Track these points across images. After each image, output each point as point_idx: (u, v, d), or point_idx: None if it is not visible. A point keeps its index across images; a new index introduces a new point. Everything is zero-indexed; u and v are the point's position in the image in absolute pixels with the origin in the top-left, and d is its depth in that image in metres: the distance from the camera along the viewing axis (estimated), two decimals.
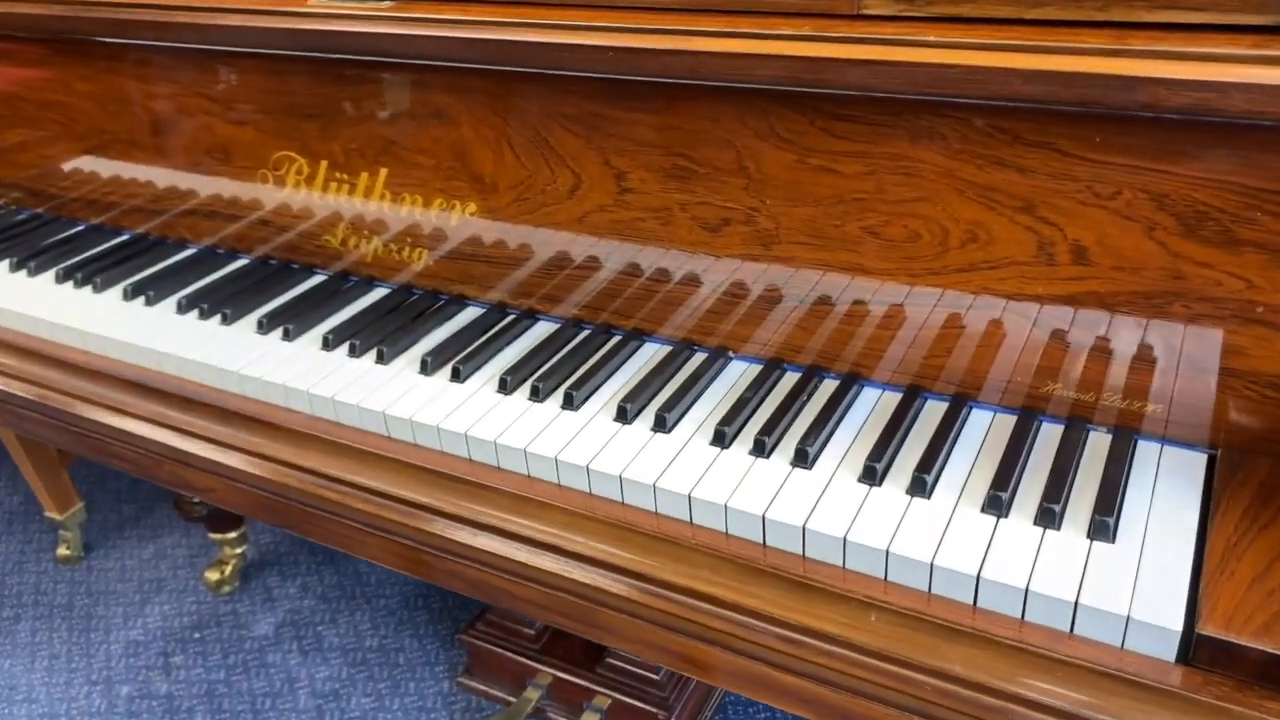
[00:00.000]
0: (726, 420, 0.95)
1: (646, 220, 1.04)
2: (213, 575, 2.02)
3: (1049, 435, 0.92)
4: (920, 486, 0.86)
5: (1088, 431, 0.92)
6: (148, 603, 2.02)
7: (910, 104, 0.86)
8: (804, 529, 0.84)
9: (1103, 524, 0.80)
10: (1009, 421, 0.94)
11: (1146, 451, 0.90)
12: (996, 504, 0.84)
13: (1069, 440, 0.90)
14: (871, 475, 0.88)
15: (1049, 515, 0.82)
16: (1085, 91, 0.76)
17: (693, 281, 1.05)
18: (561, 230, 1.09)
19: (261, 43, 1.14)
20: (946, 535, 0.82)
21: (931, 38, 0.82)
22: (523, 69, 1.01)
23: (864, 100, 0.88)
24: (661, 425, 0.97)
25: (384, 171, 1.19)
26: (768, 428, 0.94)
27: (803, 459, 0.90)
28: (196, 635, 1.93)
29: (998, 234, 0.88)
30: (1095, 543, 0.80)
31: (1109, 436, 0.91)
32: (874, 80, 0.83)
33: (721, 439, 0.94)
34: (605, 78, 0.98)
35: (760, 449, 0.92)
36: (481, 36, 1.00)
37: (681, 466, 0.92)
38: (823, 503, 0.86)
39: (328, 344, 1.14)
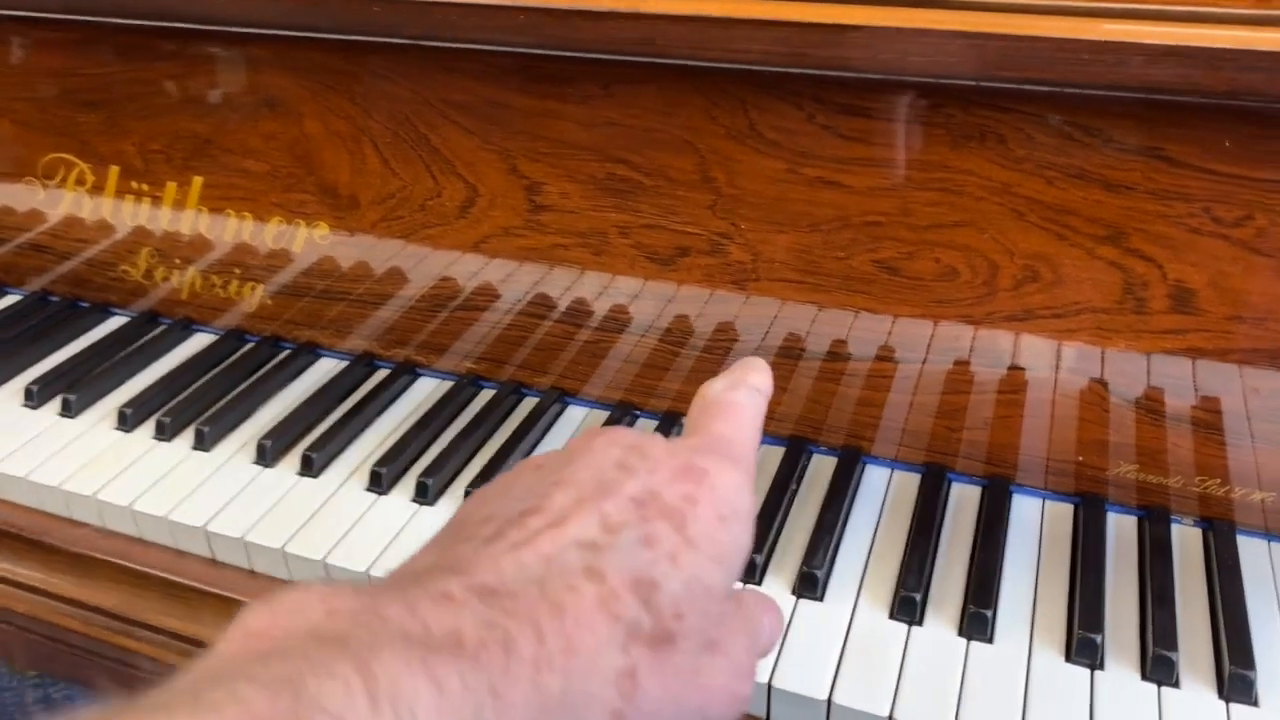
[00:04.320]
0: None
1: (571, 248, 0.76)
2: None
3: (1122, 533, 0.70)
4: (980, 626, 0.62)
5: (1169, 525, 0.70)
6: None
7: (957, 91, 0.61)
8: (829, 702, 0.59)
9: (1241, 681, 0.58)
10: (1065, 514, 0.71)
11: (1250, 551, 0.68)
12: (1089, 650, 0.60)
13: (1155, 544, 0.67)
14: (910, 611, 0.63)
15: (1164, 667, 0.59)
16: (1237, 77, 0.52)
17: (632, 327, 0.78)
18: (450, 259, 0.81)
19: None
20: (1030, 696, 0.58)
21: None
22: (390, 39, 0.72)
23: (888, 86, 0.62)
24: None
25: (198, 180, 0.87)
26: (756, 537, 0.68)
27: (811, 587, 0.65)
28: None
29: (1069, 272, 0.64)
30: (1233, 705, 0.58)
31: (1198, 531, 0.70)
32: (914, 59, 0.58)
33: None
34: (512, 52, 0.69)
35: (749, 573, 0.67)
36: None
37: None
38: (849, 657, 0.61)
39: (126, 422, 0.82)
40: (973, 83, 0.59)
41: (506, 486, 0.40)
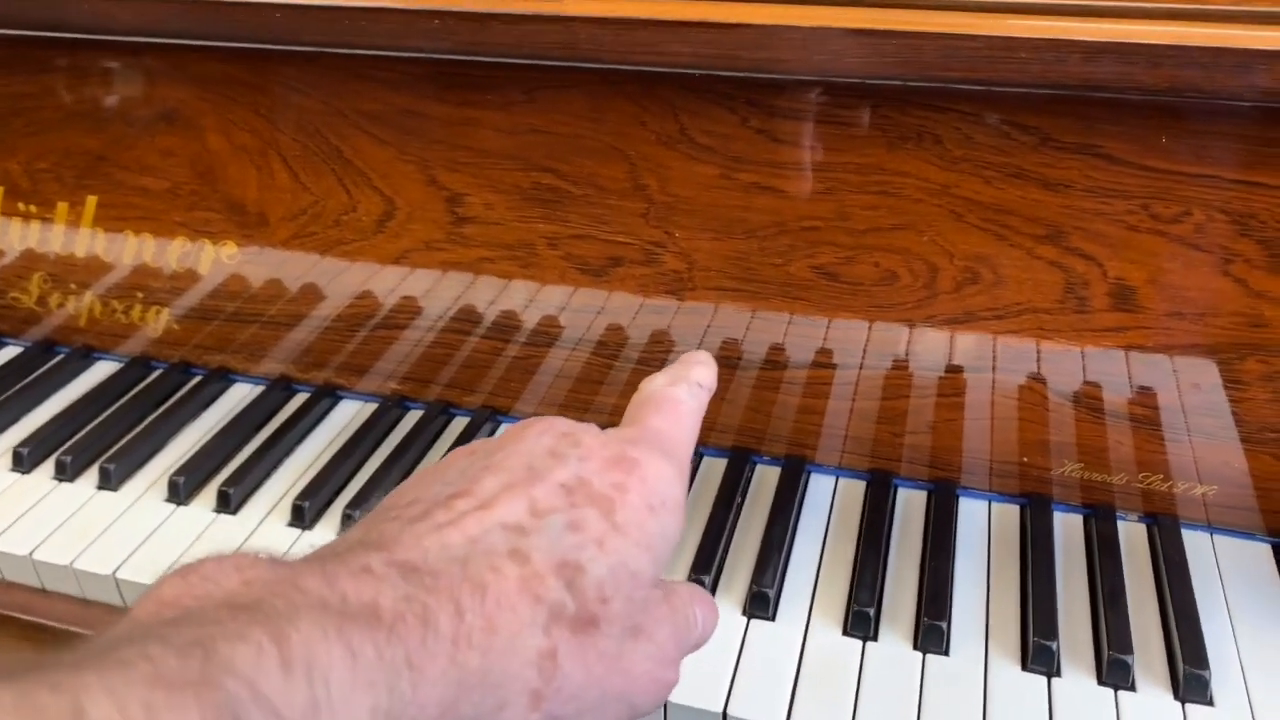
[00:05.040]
0: None
1: (497, 261, 0.73)
2: None
3: (1069, 532, 0.69)
4: (935, 638, 0.61)
5: (1116, 522, 0.69)
6: None
7: (893, 92, 0.59)
8: None
9: (1196, 681, 0.57)
10: (1012, 515, 0.71)
11: (1195, 545, 0.68)
12: (1045, 658, 0.59)
13: (1104, 543, 0.67)
14: (864, 627, 0.62)
15: (1120, 671, 0.58)
16: (1178, 73, 0.51)
17: (564, 340, 0.75)
18: (368, 274, 0.77)
19: None
20: (989, 707, 0.57)
21: None
22: (295, 47, 0.68)
23: (822, 88, 0.60)
24: None
25: (92, 200, 0.81)
26: (703, 558, 0.66)
27: (763, 606, 0.63)
28: None
29: (1009, 272, 0.63)
30: (1189, 706, 0.57)
31: (1142, 526, 0.70)
32: (849, 60, 0.56)
33: None
34: (426, 58, 0.66)
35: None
36: None
37: None
38: (805, 678, 0.59)
39: (22, 462, 0.77)
40: (909, 83, 0.57)
41: (438, 472, 0.39)
